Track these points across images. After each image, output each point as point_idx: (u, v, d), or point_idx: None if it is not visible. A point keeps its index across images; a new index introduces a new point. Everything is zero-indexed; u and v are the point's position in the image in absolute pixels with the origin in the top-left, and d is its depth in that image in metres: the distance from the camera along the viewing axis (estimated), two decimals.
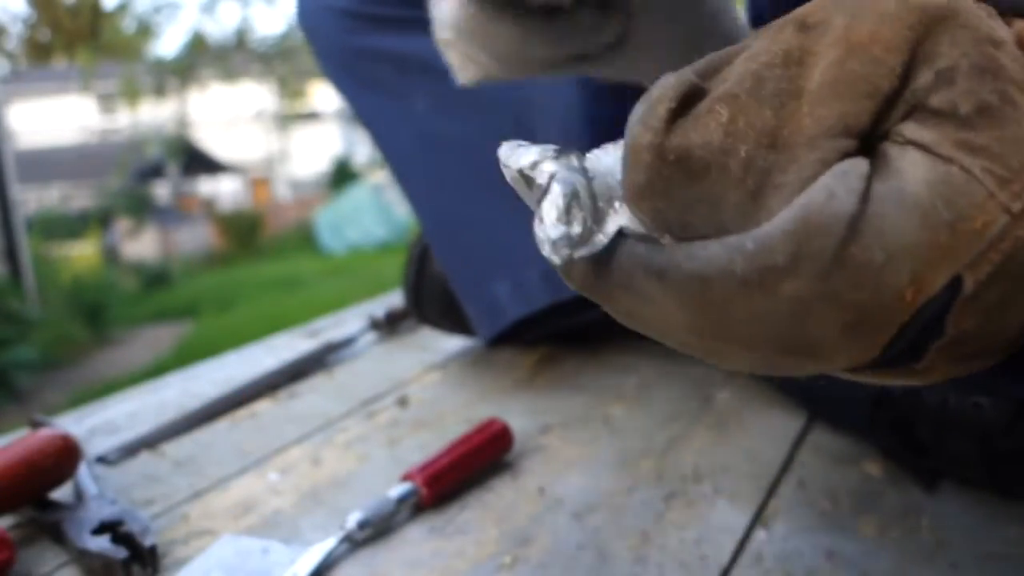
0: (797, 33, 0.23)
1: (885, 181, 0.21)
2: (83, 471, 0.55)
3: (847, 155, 0.21)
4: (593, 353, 0.79)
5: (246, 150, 14.31)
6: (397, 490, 0.51)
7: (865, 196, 0.21)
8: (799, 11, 0.23)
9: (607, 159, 0.24)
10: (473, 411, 0.67)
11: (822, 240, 0.20)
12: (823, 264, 0.20)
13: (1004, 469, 0.49)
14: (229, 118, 14.21)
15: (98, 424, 0.69)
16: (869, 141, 0.22)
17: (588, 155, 0.25)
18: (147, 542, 0.47)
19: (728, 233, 0.22)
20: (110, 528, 0.48)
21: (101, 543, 0.47)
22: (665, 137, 0.22)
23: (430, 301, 0.81)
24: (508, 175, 0.25)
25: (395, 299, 0.94)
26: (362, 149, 13.15)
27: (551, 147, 0.24)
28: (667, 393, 0.69)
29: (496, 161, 0.26)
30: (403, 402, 0.70)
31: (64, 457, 0.53)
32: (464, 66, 0.41)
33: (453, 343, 0.84)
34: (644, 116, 0.23)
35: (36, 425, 0.62)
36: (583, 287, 0.24)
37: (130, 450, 0.63)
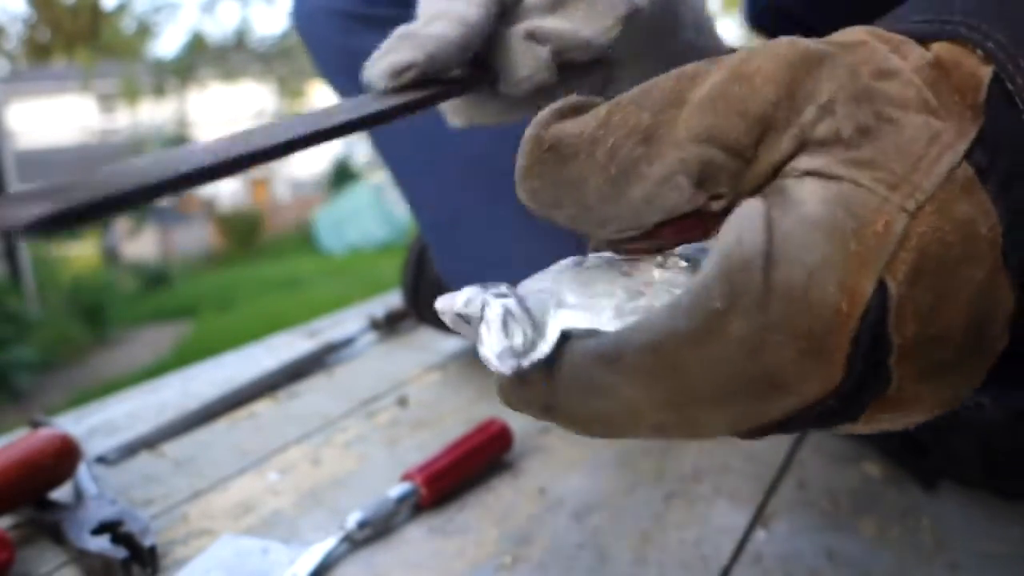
0: (706, 63, 0.25)
1: (787, 211, 0.23)
2: (83, 471, 0.55)
3: (711, 163, 0.24)
4: None
5: None
6: (397, 490, 0.51)
7: (770, 228, 0.22)
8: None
9: (536, 282, 0.26)
10: (473, 411, 0.67)
11: (747, 274, 0.22)
12: (756, 295, 0.22)
13: (1004, 469, 0.49)
14: (229, 118, 14.22)
15: (98, 424, 0.69)
16: (768, 177, 0.24)
17: (519, 285, 0.26)
18: (147, 542, 0.47)
19: (591, 213, 0.25)
20: (110, 528, 0.48)
21: (101, 543, 0.47)
22: (545, 129, 0.25)
23: (429, 301, 0.81)
24: (448, 321, 0.26)
25: (395, 299, 0.94)
26: (362, 149, 13.15)
27: (479, 285, 0.26)
28: None
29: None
30: (403, 402, 0.70)
31: (64, 457, 0.53)
32: (451, 117, 0.46)
33: (453, 343, 0.84)
34: (536, 119, 0.26)
35: (36, 425, 0.62)
36: (544, 404, 0.25)
37: (130, 450, 0.63)
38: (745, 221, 0.22)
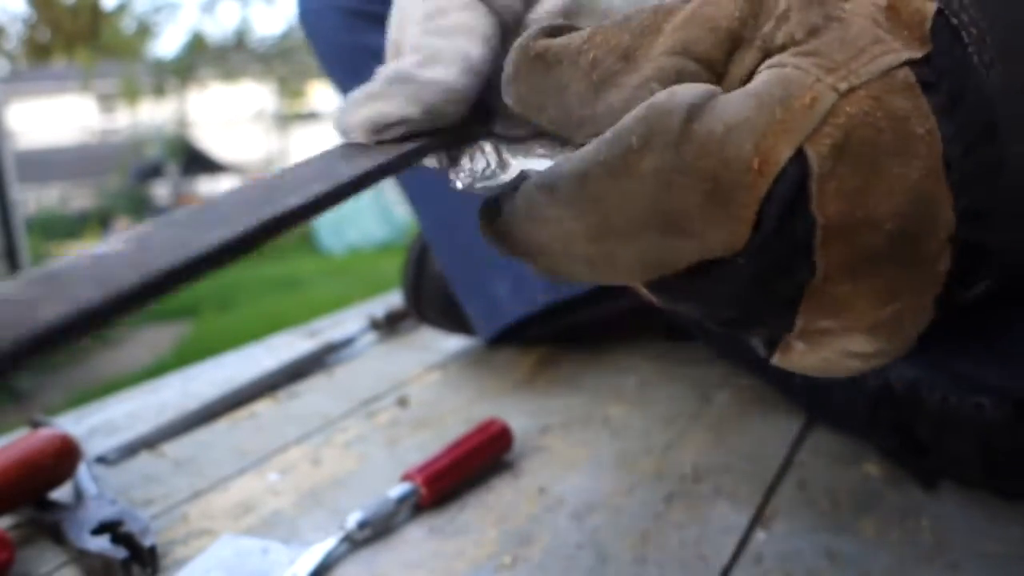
0: (682, 2, 0.27)
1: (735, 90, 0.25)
2: (83, 471, 0.55)
3: (684, 72, 0.26)
4: (593, 353, 0.79)
5: (246, 150, 14.30)
6: (397, 490, 0.51)
7: (709, 95, 0.24)
8: None
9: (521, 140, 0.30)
10: (473, 411, 0.67)
11: (667, 119, 0.24)
12: (671, 137, 0.24)
13: (1004, 469, 0.49)
14: (229, 118, 14.21)
15: (98, 424, 0.69)
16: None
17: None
18: (147, 542, 0.47)
19: (572, 116, 0.27)
20: (110, 528, 0.48)
21: (101, 543, 0.47)
22: (533, 42, 0.28)
23: (430, 301, 0.81)
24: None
25: (395, 299, 0.94)
26: None
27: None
28: (667, 393, 0.69)
29: None
30: (403, 402, 0.70)
31: (64, 457, 0.53)
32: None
33: (453, 343, 0.84)
34: (522, 36, 0.28)
35: (36, 425, 0.62)
36: (500, 232, 0.28)
37: (130, 450, 0.63)
38: (686, 86, 0.25)
